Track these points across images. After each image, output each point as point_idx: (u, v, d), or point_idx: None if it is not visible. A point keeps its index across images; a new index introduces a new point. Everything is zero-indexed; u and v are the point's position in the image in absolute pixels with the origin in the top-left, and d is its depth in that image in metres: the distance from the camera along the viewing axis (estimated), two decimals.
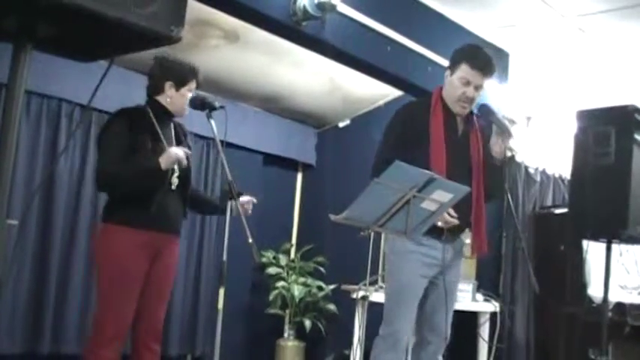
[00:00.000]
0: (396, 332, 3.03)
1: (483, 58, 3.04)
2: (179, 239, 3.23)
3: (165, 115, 3.14)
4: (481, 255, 3.21)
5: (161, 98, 3.13)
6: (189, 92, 3.14)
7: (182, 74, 3.12)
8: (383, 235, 3.17)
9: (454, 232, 3.06)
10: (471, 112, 3.13)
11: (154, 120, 3.09)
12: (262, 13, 3.80)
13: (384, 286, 3.38)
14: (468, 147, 3.08)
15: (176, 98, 3.12)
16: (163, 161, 2.95)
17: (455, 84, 3.01)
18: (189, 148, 3.25)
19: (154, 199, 3.01)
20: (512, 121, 3.16)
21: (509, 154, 3.10)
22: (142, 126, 3.05)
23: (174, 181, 3.11)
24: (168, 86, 3.11)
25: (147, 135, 3.03)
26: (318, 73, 5.08)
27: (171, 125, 3.21)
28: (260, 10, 3.77)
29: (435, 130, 2.99)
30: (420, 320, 3.15)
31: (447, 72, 3.08)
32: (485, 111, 3.03)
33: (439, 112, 3.03)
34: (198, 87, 3.20)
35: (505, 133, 2.95)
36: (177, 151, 3.00)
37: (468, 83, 2.99)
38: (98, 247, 3.07)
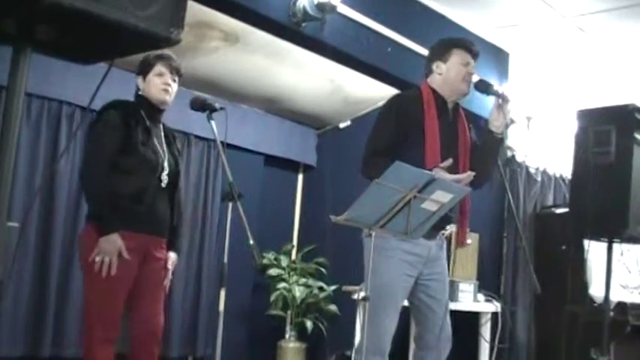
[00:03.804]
0: (380, 336, 2.93)
1: (469, 41, 3.27)
2: (165, 241, 3.18)
3: (152, 110, 3.15)
4: (461, 247, 3.31)
5: (141, 92, 3.16)
6: (157, 77, 3.12)
7: (142, 65, 3.16)
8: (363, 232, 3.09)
9: (438, 227, 3.00)
10: (457, 103, 3.23)
11: (144, 115, 3.11)
12: (262, 15, 3.81)
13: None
14: (457, 135, 3.15)
15: (146, 86, 3.13)
16: (105, 240, 2.89)
17: (455, 68, 3.13)
18: (178, 152, 3.28)
19: (143, 199, 3.01)
20: (512, 120, 3.24)
21: (509, 153, 3.16)
22: (135, 120, 3.06)
23: (164, 178, 3.10)
24: (139, 80, 3.16)
25: (139, 129, 3.05)
26: (318, 74, 5.08)
27: (161, 126, 3.22)
28: (260, 11, 3.78)
29: (429, 121, 3.04)
30: (423, 325, 3.08)
31: (437, 63, 3.16)
32: (484, 85, 3.17)
33: (432, 103, 3.09)
34: (173, 71, 3.15)
35: (505, 101, 3.09)
36: (120, 247, 2.93)
37: (467, 64, 3.15)
38: (83, 248, 3.03)
